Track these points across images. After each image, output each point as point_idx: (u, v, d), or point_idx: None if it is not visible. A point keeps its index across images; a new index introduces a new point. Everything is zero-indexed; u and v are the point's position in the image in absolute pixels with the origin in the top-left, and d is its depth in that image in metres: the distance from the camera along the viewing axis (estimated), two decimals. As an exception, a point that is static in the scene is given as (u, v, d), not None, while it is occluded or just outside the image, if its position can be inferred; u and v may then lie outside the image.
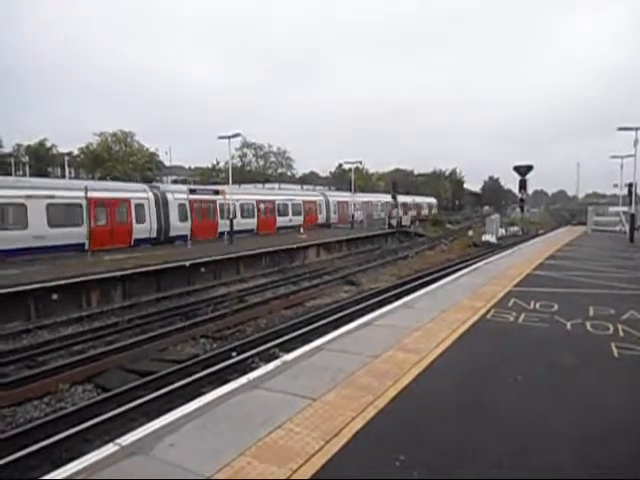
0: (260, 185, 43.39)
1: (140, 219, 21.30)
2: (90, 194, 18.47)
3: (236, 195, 27.66)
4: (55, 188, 18.71)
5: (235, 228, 24.84)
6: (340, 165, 67.52)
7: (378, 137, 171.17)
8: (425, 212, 60.44)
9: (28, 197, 17.05)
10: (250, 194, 31.33)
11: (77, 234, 18.31)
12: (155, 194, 22.56)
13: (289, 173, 63.62)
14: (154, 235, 22.08)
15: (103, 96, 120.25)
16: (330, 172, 74.62)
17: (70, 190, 18.86)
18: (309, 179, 67.86)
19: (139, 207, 21.30)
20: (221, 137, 26.51)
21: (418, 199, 61.60)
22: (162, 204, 22.62)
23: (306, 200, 35.98)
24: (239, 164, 56.32)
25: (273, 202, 31.84)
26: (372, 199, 48.08)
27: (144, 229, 21.34)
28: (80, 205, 18.37)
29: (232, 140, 26.95)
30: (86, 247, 18.24)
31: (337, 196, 42.41)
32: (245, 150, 58.28)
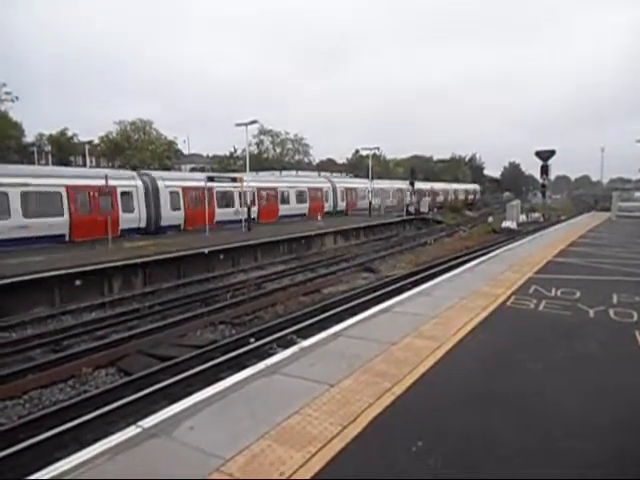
0: (277, 172, 43.46)
1: (328, 200, 35.47)
2: (308, 185, 33.52)
3: (367, 184, 40.54)
4: (307, 181, 34.94)
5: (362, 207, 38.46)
6: (357, 151, 66.94)
7: (395, 124, 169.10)
8: (471, 197, 66.40)
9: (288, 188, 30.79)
10: (371, 183, 42.48)
11: (304, 208, 32.15)
12: (331, 184, 36.38)
13: (306, 160, 63.39)
14: (331, 210, 35.37)
15: (128, 87, 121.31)
16: (347, 159, 74.05)
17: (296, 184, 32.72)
18: (326, 166, 67.47)
19: (326, 192, 35.49)
20: (238, 124, 26.41)
21: (462, 186, 66.82)
22: (334, 191, 36.18)
23: (400, 187, 47.13)
24: (256, 151, 56.31)
25: (383, 189, 43.19)
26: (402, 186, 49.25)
27: (329, 205, 35.54)
28: (304, 192, 32.48)
29: (249, 128, 26.91)
30: (306, 215, 31.72)
31: (419, 184, 49.97)
32: (262, 137, 58.20)
